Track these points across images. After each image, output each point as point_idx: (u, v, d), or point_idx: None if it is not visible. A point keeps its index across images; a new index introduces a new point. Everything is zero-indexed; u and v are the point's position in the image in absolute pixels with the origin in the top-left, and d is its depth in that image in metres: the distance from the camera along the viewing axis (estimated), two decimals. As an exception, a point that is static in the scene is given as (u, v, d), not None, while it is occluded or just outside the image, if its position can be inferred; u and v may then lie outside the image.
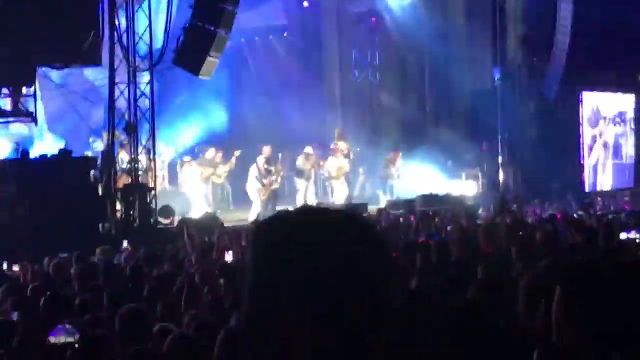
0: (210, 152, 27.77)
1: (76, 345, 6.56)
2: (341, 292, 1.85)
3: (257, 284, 1.91)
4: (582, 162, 34.03)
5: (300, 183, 28.09)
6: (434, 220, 18.70)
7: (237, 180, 28.16)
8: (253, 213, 25.64)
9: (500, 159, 30.64)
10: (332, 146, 28.78)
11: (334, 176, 28.38)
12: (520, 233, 13.25)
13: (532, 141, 31.23)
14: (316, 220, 1.94)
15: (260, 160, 26.89)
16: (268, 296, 1.88)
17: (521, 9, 31.38)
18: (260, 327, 1.90)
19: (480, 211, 23.82)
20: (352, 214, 2.01)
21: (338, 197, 28.19)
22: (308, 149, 28.25)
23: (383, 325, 1.91)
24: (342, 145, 28.83)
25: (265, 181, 26.66)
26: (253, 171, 26.85)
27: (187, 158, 27.98)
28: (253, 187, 26.78)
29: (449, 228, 17.12)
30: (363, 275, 1.88)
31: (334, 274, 1.85)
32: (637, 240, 11.90)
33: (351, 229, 1.93)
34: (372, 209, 25.97)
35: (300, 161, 28.04)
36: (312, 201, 27.91)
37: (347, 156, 28.86)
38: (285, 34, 33.76)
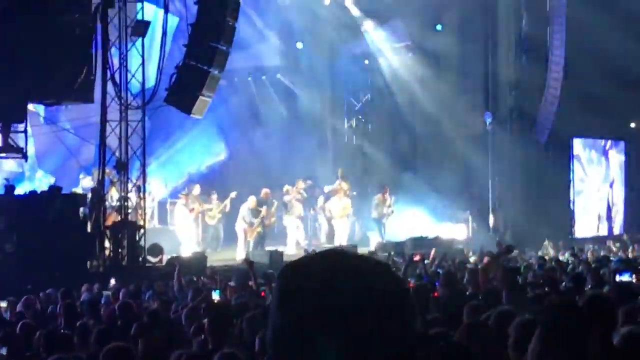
0: (196, 189, 27.78)
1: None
2: (368, 341, 1.81)
3: (283, 330, 1.87)
4: (572, 207, 34.10)
5: (288, 221, 28.08)
6: (423, 264, 18.64)
7: (228, 220, 28.08)
8: (240, 252, 25.63)
9: (490, 203, 30.66)
10: (335, 186, 28.76)
11: (337, 216, 28.34)
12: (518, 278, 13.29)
13: (522, 186, 31.27)
14: (346, 265, 1.89)
15: (251, 200, 26.94)
16: (292, 342, 1.85)
17: (513, 53, 31.55)
18: None
19: (471, 254, 23.78)
20: (381, 262, 1.98)
21: (341, 237, 28.18)
22: (286, 188, 28.37)
23: None
24: (344, 185, 28.84)
25: (254, 221, 26.69)
26: (243, 211, 26.92)
27: (184, 192, 27.80)
28: (241, 226, 26.82)
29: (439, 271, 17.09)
30: (391, 324, 1.84)
31: (361, 322, 1.82)
32: (634, 281, 11.89)
33: (381, 277, 1.89)
34: (362, 250, 25.93)
35: (284, 198, 28.16)
36: (303, 241, 27.89)
37: (349, 196, 28.88)
38: (278, 75, 33.84)
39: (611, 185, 36.90)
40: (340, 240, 27.94)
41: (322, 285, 1.84)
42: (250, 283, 13.64)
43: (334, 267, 1.88)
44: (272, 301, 1.94)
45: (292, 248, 27.12)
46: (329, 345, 1.80)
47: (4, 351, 9.49)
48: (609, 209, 36.74)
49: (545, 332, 4.37)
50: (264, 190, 27.67)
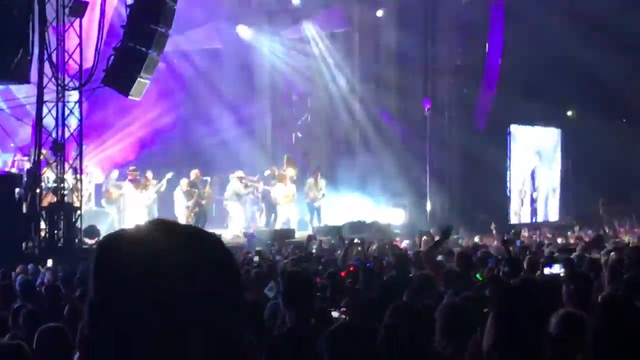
0: (114, 173, 27.90)
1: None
2: (182, 308, 1.72)
3: (98, 304, 1.76)
4: (508, 193, 34.44)
5: (232, 207, 28.05)
6: (363, 248, 18.79)
7: (165, 204, 27.97)
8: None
9: (428, 188, 30.82)
10: (281, 172, 28.68)
11: (282, 203, 28.26)
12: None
13: (460, 171, 31.52)
14: (157, 234, 1.80)
15: (184, 182, 26.98)
16: (107, 316, 1.74)
17: (452, 40, 31.72)
18: (101, 347, 1.75)
19: (406, 242, 23.87)
20: (198, 229, 1.89)
21: (286, 222, 28.18)
22: (239, 173, 28.22)
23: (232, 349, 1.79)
24: (291, 171, 28.79)
25: (189, 203, 26.70)
26: (178, 194, 26.91)
27: (132, 172, 27.68)
28: (179, 211, 26.78)
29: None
30: (207, 289, 1.75)
31: (174, 289, 1.72)
32: (562, 275, 11.94)
33: (196, 244, 1.80)
34: (301, 234, 26.00)
35: (235, 185, 27.98)
36: (243, 225, 27.91)
37: (294, 182, 28.82)
38: (218, 58, 33.66)
39: (546, 172, 37.31)
40: (285, 225, 27.98)
41: (141, 254, 1.75)
42: None
43: (154, 236, 1.79)
44: (89, 275, 1.82)
45: (232, 231, 27.13)
46: (146, 317, 1.71)
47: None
48: (545, 196, 37.15)
49: (499, 318, 4.38)
50: (194, 172, 27.67)
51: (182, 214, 26.77)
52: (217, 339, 1.77)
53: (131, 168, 27.73)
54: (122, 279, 1.74)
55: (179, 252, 1.76)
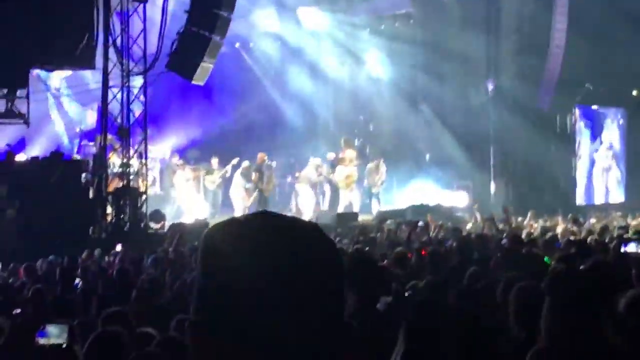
0: (175, 158, 28.27)
1: (64, 346, 6.44)
2: (291, 299, 1.75)
3: (206, 293, 1.80)
4: (574, 175, 34.06)
5: (303, 189, 28.19)
6: (426, 231, 18.74)
7: (227, 188, 28.11)
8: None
9: (492, 170, 30.60)
10: (339, 155, 28.66)
11: (341, 186, 28.27)
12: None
13: (524, 153, 31.19)
14: (270, 223, 1.83)
15: (243, 165, 27.06)
16: (216, 305, 1.78)
17: (515, 20, 31.33)
18: (210, 331, 1.78)
19: (469, 225, 23.73)
20: (306, 221, 1.92)
21: (347, 205, 28.18)
22: (316, 161, 28.41)
23: (339, 339, 1.81)
24: (350, 153, 28.68)
25: (248, 186, 26.77)
26: (237, 176, 26.96)
27: (179, 162, 27.98)
28: (236, 192, 26.83)
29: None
30: (315, 280, 1.78)
31: (284, 279, 1.75)
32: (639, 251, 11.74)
33: (305, 234, 1.83)
34: (364, 217, 25.96)
35: (310, 171, 28.17)
36: (312, 208, 27.95)
37: (354, 165, 28.75)
38: (278, 41, 33.49)
39: (612, 152, 36.83)
40: (351, 208, 27.96)
41: (248, 245, 1.78)
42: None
43: (261, 227, 1.82)
44: (197, 264, 1.89)
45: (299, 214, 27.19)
46: (254, 309, 1.74)
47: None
48: (611, 176, 36.70)
49: (554, 302, 4.32)
50: (259, 155, 27.65)
51: (238, 196, 26.82)
52: (323, 324, 1.79)
53: (179, 162, 28.00)
54: (226, 270, 1.78)
55: (283, 246, 1.79)
